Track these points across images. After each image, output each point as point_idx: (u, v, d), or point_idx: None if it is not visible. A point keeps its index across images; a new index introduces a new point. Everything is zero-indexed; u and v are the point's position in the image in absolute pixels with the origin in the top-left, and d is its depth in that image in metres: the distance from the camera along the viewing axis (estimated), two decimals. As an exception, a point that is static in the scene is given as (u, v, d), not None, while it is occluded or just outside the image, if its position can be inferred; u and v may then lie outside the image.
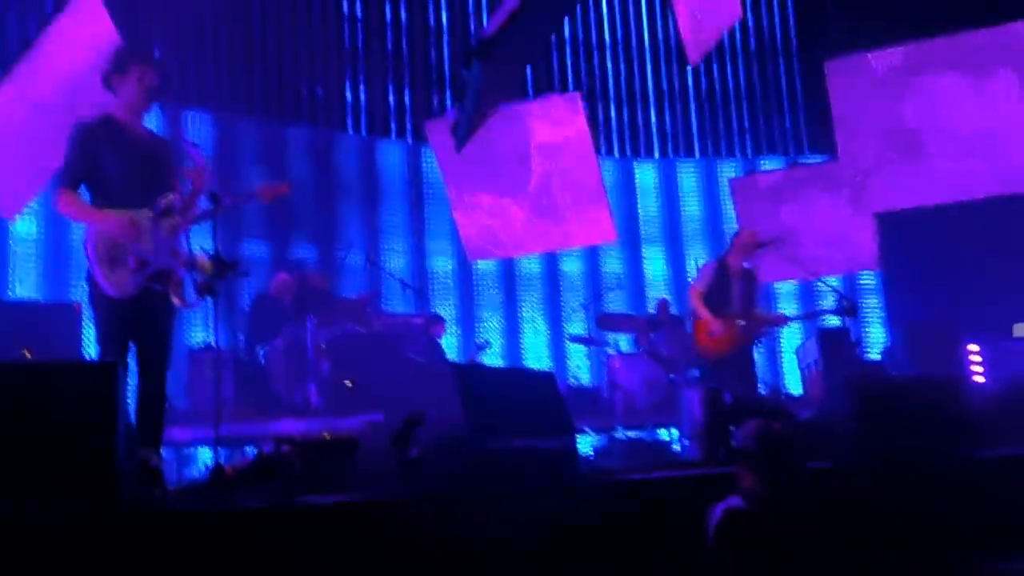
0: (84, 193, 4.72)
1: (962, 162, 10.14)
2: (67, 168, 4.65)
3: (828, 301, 9.95)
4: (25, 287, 8.78)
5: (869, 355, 11.34)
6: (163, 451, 5.85)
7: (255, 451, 4.92)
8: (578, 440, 5.44)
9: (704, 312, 7.71)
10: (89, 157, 4.61)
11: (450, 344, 10.90)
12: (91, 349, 7.66)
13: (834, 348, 8.72)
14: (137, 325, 4.59)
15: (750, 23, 13.66)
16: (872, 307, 12.65)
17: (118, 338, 4.54)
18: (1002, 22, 10.03)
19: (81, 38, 7.74)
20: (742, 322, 7.76)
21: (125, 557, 3.22)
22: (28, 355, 6.60)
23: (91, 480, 3.40)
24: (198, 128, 10.20)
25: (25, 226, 8.82)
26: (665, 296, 11.35)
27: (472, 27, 12.54)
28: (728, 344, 7.70)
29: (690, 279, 12.34)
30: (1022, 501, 4.54)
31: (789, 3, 13.86)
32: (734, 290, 7.85)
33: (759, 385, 8.48)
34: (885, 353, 10.56)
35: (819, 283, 10.38)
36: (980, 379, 8.82)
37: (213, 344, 7.82)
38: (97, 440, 3.46)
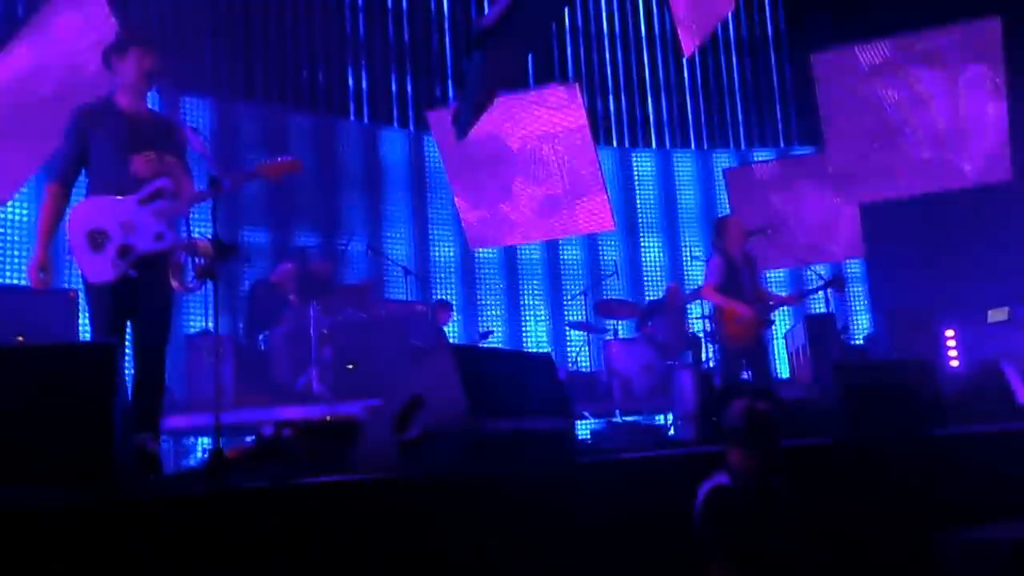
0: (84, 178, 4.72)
1: (940, 153, 10.29)
2: (57, 159, 4.69)
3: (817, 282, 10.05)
4: (19, 272, 8.72)
5: (853, 340, 11.50)
6: (161, 439, 5.88)
7: (256, 436, 4.93)
8: (575, 421, 5.51)
9: (727, 301, 7.76)
10: (82, 143, 4.61)
11: (452, 331, 10.98)
12: (88, 335, 7.74)
13: (821, 333, 8.85)
14: (128, 309, 4.57)
15: (743, 17, 13.75)
16: (857, 294, 12.83)
17: (107, 322, 4.53)
18: (978, 17, 10.15)
19: (75, 21, 7.68)
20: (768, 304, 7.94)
21: (121, 541, 3.18)
22: (21, 340, 6.61)
23: (87, 464, 3.35)
24: (197, 114, 10.20)
25: (17, 211, 8.78)
26: (676, 283, 11.39)
27: (474, 15, 12.55)
28: (753, 329, 7.78)
29: (687, 265, 12.50)
30: (991, 474, 4.69)
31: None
32: (743, 278, 7.90)
33: (771, 368, 8.55)
34: (868, 338, 10.70)
35: (807, 270, 10.51)
36: (955, 363, 9.00)
37: (212, 330, 7.86)
38: (93, 424, 3.40)
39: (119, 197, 4.56)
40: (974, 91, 10.19)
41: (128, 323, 4.64)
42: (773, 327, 8.66)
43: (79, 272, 4.65)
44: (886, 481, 4.65)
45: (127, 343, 4.64)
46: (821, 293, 8.88)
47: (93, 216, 4.54)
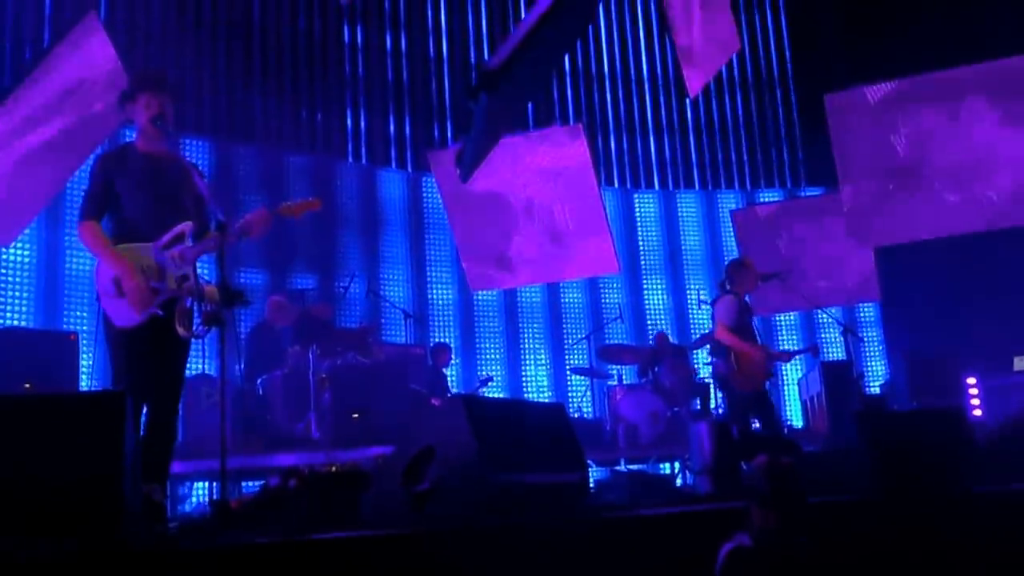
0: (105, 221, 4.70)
1: (956, 196, 10.16)
2: (87, 199, 4.66)
3: (829, 333, 9.92)
4: (19, 314, 8.65)
5: (869, 388, 11.36)
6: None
7: (259, 484, 4.81)
8: (589, 474, 5.38)
9: (741, 344, 7.52)
10: (107, 187, 4.62)
11: (451, 374, 10.82)
12: (88, 379, 7.63)
13: (837, 381, 8.71)
14: (149, 354, 4.53)
15: (748, 57, 13.78)
16: (871, 340, 12.68)
17: (134, 369, 4.47)
18: (989, 58, 10.11)
19: (83, 66, 7.71)
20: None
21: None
22: (28, 387, 6.52)
23: (96, 514, 3.32)
24: (196, 155, 10.15)
25: (19, 252, 8.73)
26: (662, 329, 11.30)
27: (472, 57, 12.60)
28: (763, 375, 7.60)
29: (691, 309, 12.38)
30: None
31: (786, 37, 14.00)
32: (749, 324, 7.75)
33: (780, 421, 8.36)
34: (886, 386, 10.55)
35: (820, 314, 10.38)
36: (978, 412, 8.83)
37: (214, 374, 7.75)
38: (102, 474, 3.37)
39: (142, 244, 4.55)
40: (992, 132, 10.08)
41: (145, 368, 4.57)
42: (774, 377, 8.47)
43: (101, 321, 4.59)
44: (919, 541, 4.48)
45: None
46: (837, 337, 8.75)
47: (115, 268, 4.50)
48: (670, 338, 10.93)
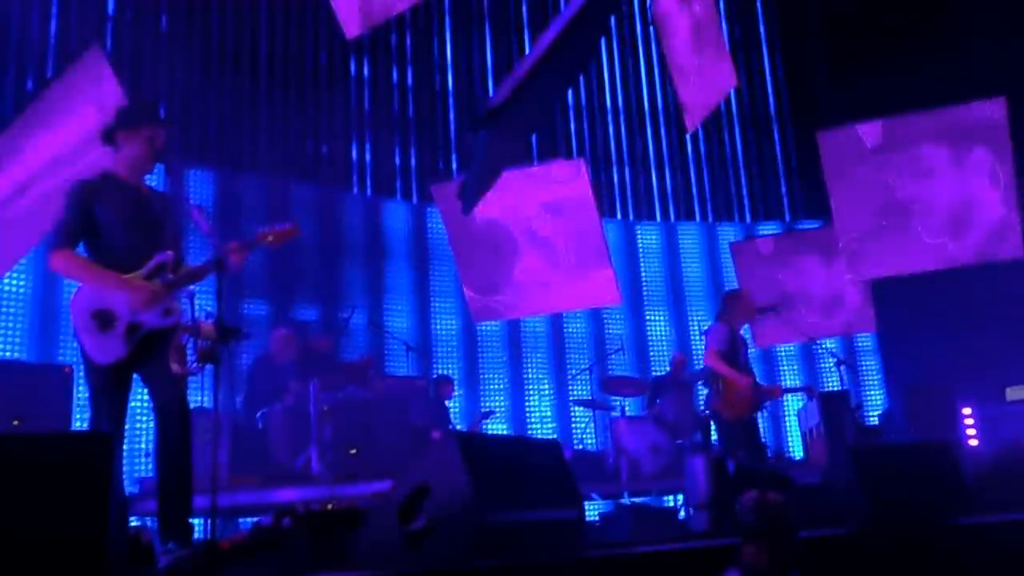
0: (82, 251, 4.60)
1: (949, 232, 10.21)
2: (63, 227, 4.55)
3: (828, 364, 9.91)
4: (13, 346, 8.55)
5: (868, 418, 11.35)
6: (148, 522, 5.66)
7: (253, 523, 4.76)
8: (585, 511, 5.36)
9: (731, 371, 7.48)
10: (86, 215, 4.50)
11: (454, 406, 10.78)
12: (83, 414, 7.56)
13: (835, 412, 8.70)
14: (129, 391, 4.48)
15: (746, 93, 13.92)
16: (869, 370, 12.70)
17: (110, 405, 4.40)
18: (984, 95, 10.18)
19: (85, 98, 7.70)
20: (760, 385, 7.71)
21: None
22: (16, 424, 6.46)
23: (80, 558, 3.24)
24: (200, 186, 10.18)
25: (14, 283, 8.63)
26: (682, 354, 11.26)
27: (478, 90, 12.66)
28: (750, 405, 7.55)
29: (694, 340, 12.35)
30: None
31: (781, 74, 14.13)
32: (742, 354, 7.74)
33: (766, 450, 8.35)
34: (883, 417, 10.55)
35: (817, 346, 10.39)
36: (974, 442, 8.83)
37: (207, 408, 7.70)
38: (87, 516, 3.30)
39: (124, 274, 4.46)
40: (978, 170, 10.16)
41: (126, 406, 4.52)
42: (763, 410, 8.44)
43: (83, 355, 4.48)
44: (910, 574, 4.46)
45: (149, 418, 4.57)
46: (833, 369, 8.74)
47: (97, 297, 4.43)
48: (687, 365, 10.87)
